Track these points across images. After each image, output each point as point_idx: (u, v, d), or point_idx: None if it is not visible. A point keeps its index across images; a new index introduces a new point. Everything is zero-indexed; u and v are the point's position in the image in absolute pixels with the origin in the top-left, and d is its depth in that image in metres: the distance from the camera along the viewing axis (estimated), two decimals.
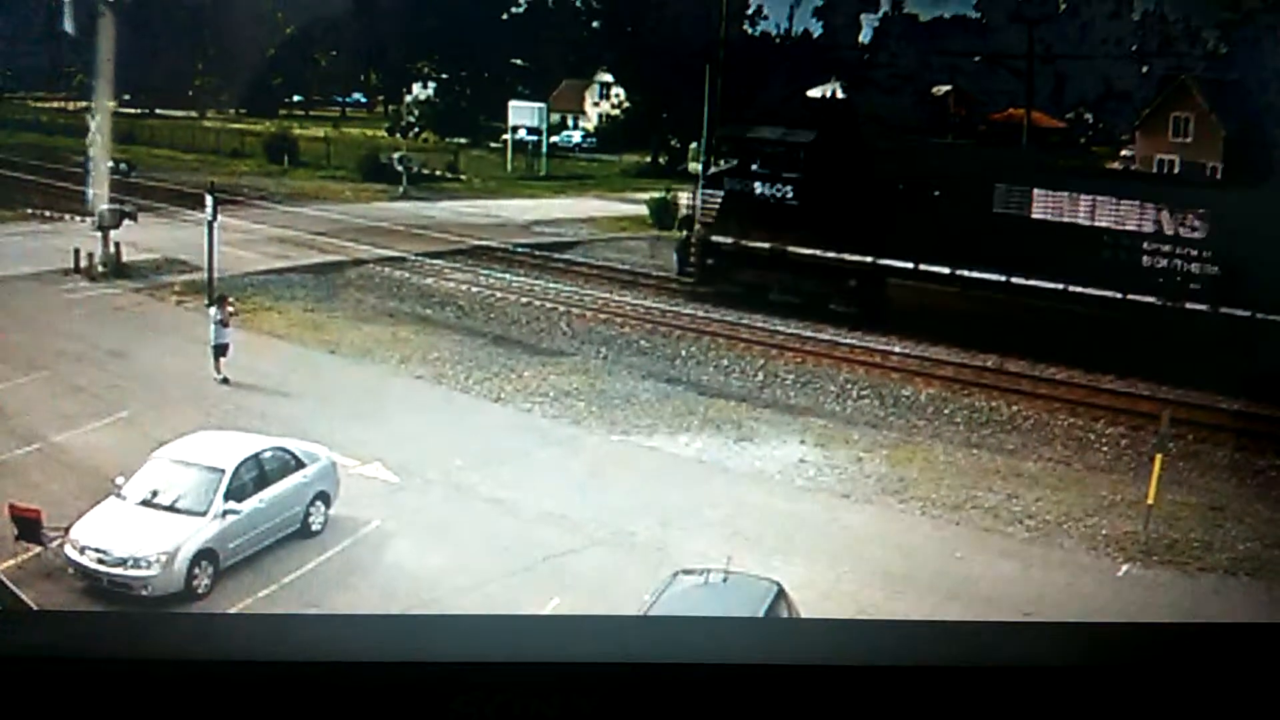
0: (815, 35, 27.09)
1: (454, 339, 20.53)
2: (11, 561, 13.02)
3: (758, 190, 21.11)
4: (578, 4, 28.10)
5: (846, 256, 20.05)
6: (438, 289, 23.27)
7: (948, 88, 24.95)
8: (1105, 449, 16.89)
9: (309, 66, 29.08)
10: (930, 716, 5.54)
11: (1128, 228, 18.32)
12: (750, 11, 26.47)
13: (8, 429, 16.18)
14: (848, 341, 20.31)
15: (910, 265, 19.53)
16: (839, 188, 20.55)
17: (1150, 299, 18.02)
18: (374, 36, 27.38)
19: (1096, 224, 18.54)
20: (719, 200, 21.41)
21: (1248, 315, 16.99)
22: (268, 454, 14.22)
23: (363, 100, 28.11)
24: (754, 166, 21.35)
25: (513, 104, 26.42)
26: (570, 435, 17.20)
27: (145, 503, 13.42)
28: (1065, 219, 18.67)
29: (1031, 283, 18.66)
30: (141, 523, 13.15)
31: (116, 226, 23.29)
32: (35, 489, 14.44)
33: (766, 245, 20.67)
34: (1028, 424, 17.58)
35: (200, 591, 12.93)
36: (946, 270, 19.34)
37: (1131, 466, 16.26)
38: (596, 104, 28.39)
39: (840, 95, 25.84)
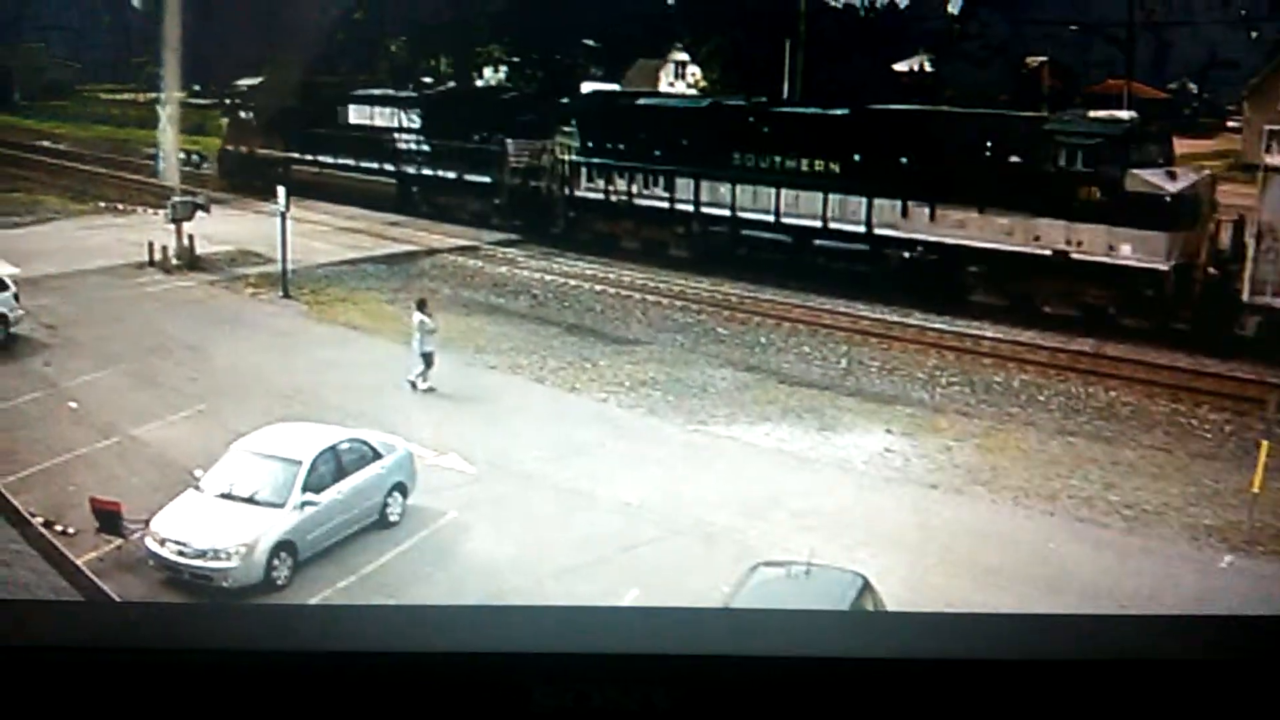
0: (902, 6, 26.75)
1: (528, 328, 20.78)
2: (93, 554, 13.49)
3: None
4: None
5: None
6: (511, 278, 23.53)
7: (1042, 59, 24.49)
8: (1208, 435, 16.52)
9: (378, 53, 29.50)
10: (1021, 712, 5.51)
11: None
12: None
13: (87, 422, 16.78)
14: (936, 326, 20.10)
15: None
16: None
17: None
18: (443, 20, 27.66)
19: None
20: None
21: None
22: (345, 445, 14.53)
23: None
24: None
25: (585, 86, 26.51)
26: (647, 425, 17.32)
27: (224, 495, 13.80)
28: None
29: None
30: (220, 515, 13.54)
31: (189, 219, 23.94)
32: (115, 482, 14.96)
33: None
34: (1126, 410, 17.26)
35: (279, 583, 13.29)
36: None
37: (1236, 453, 15.88)
38: (672, 83, 28.35)
39: (928, 69, 25.51)
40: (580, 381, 18.71)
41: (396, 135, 25.79)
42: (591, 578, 13.05)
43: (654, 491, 14.98)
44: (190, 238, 23.92)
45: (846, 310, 20.95)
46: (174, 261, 23.71)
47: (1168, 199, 18.80)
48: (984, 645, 5.52)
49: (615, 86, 26.22)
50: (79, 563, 12.61)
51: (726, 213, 22.22)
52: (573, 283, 23.05)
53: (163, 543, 13.32)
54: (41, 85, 34.20)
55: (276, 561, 13.35)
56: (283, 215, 22.34)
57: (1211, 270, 18.84)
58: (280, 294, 22.32)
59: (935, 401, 17.88)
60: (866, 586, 11.84)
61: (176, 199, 24.36)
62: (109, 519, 13.83)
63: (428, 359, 18.03)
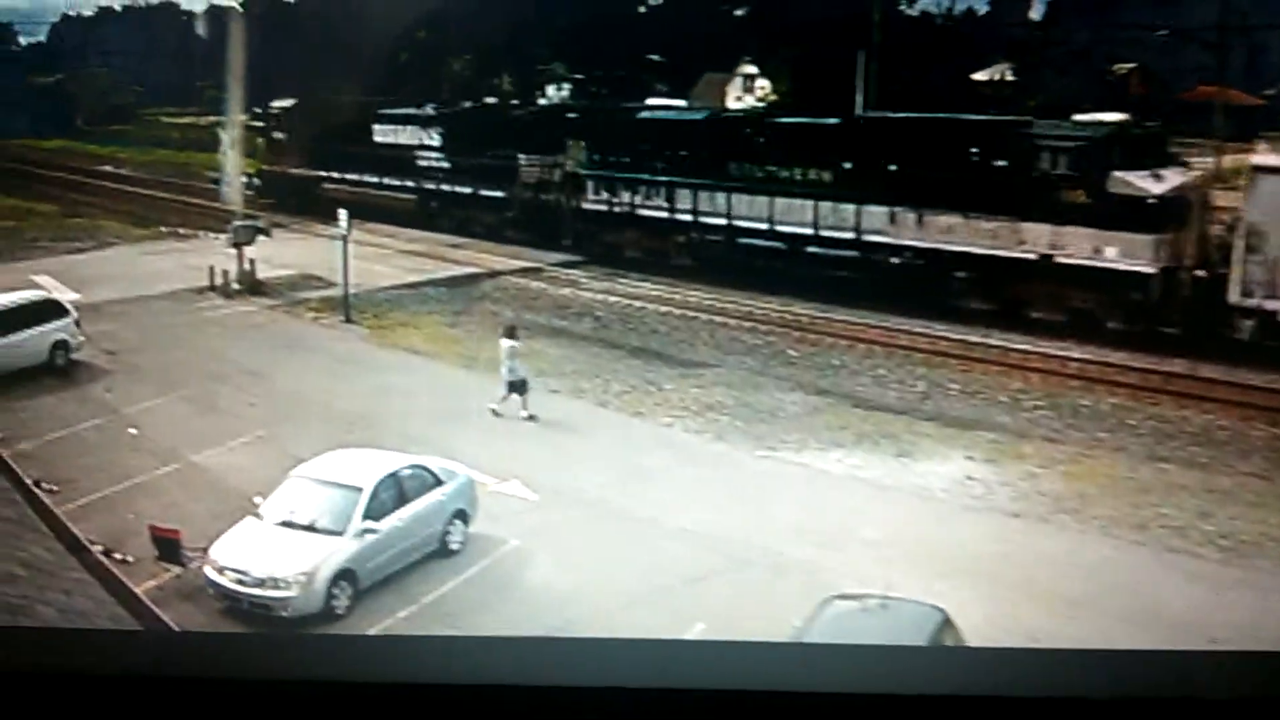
0: (980, 13, 26.57)
1: (591, 351, 20.90)
2: (152, 582, 13.73)
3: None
4: None
5: None
6: (574, 300, 23.69)
7: (1130, 66, 24.17)
8: None
9: (442, 71, 29.97)
10: None
11: None
12: None
13: (147, 449, 17.17)
14: (1020, 348, 19.85)
15: None
16: None
17: None
18: (505, 38, 28.03)
19: None
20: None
21: None
22: (406, 472, 14.65)
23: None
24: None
25: (650, 103, 26.66)
26: (714, 451, 17.29)
27: (284, 522, 13.97)
28: None
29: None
30: (280, 543, 13.71)
31: (250, 243, 24.46)
32: (175, 509, 15.26)
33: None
34: (1222, 435, 16.87)
35: (339, 612, 13.41)
36: None
37: None
38: (739, 98, 28.41)
39: (1009, 77, 25.31)
40: (645, 406, 18.74)
41: (417, 152, 27.13)
42: (656, 610, 13.01)
43: (721, 520, 14.92)
44: (252, 262, 24.44)
45: (924, 331, 20.78)
46: (235, 286, 24.21)
47: (1152, 201, 19.03)
48: (1069, 682, 5.42)
49: (680, 102, 26.42)
50: (138, 591, 12.83)
51: (723, 221, 23.11)
52: (637, 304, 23.14)
53: (222, 571, 13.51)
54: (104, 110, 35.23)
55: (336, 590, 13.46)
56: (344, 239, 22.72)
57: (1200, 273, 18.96)
58: (341, 318, 22.70)
59: (1019, 426, 17.64)
60: (945, 621, 11.67)
61: (238, 223, 24.89)
62: (168, 547, 14.08)
63: (520, 386, 18.17)
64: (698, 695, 5.38)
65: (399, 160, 27.58)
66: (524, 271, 25.27)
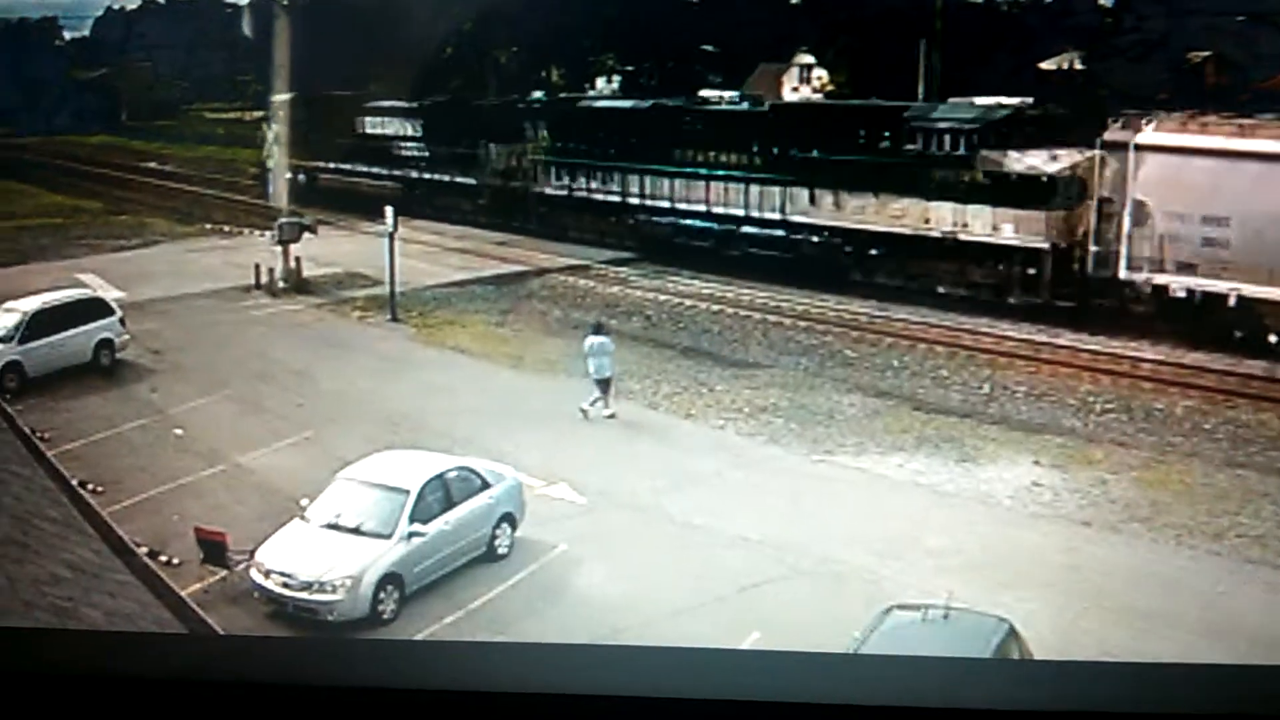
0: (1047, 0, 26.32)
1: (641, 351, 20.91)
2: (198, 585, 13.95)
3: None
4: None
5: None
6: (624, 298, 23.73)
7: (1205, 54, 23.80)
8: None
9: (488, 65, 30.17)
10: None
11: None
12: None
13: (193, 450, 17.44)
14: (1089, 348, 19.61)
15: None
16: None
17: None
18: (554, 29, 28.17)
19: None
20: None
21: None
22: (453, 474, 14.76)
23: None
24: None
25: (704, 94, 26.63)
26: (768, 455, 17.23)
27: (330, 525, 14.13)
28: None
29: None
30: (326, 546, 13.87)
31: (296, 240, 24.75)
32: (220, 511, 15.49)
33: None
34: None
35: (386, 617, 13.55)
36: None
37: None
38: (796, 88, 28.31)
39: (1078, 66, 25.08)
40: (696, 408, 18.73)
41: (401, 143, 29.24)
42: (709, 618, 13.00)
43: (776, 526, 14.86)
44: (297, 260, 24.72)
45: (989, 330, 20.60)
46: (281, 284, 24.50)
47: (1045, 179, 20.47)
48: (1142, 697, 5.34)
49: (734, 93, 26.46)
50: (183, 594, 13.04)
51: (667, 204, 25.04)
52: (688, 303, 23.14)
53: (267, 574, 13.69)
54: (149, 105, 35.74)
55: (383, 595, 13.60)
56: (390, 236, 22.93)
57: (1094, 248, 20.13)
58: (388, 317, 22.91)
59: (1088, 430, 17.42)
60: (1011, 632, 11.55)
61: (283, 220, 25.18)
62: (214, 549, 14.28)
63: (606, 384, 18.26)
64: (751, 707, 5.36)
65: (385, 151, 29.60)
66: (572, 269, 25.36)
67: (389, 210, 23.20)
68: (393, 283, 23.03)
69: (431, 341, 21.89)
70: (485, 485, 14.85)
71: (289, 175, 28.45)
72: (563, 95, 28.39)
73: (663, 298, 23.52)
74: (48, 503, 13.82)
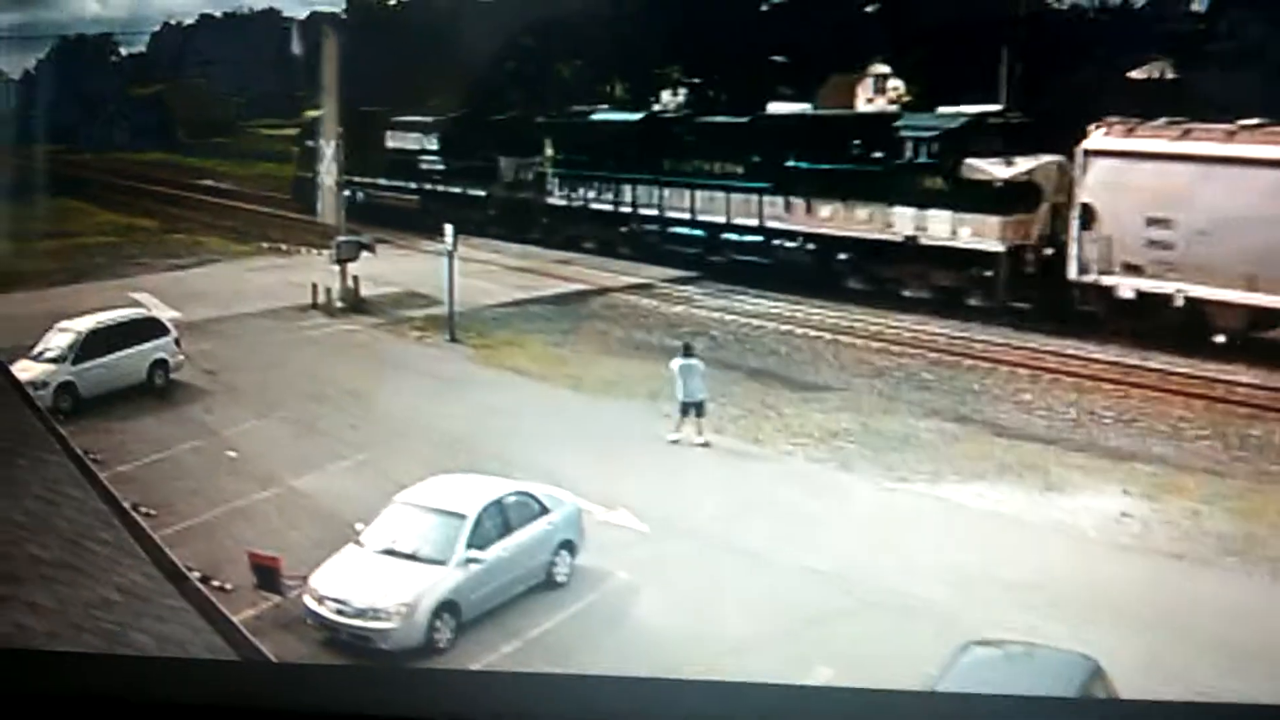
0: (1137, 6, 26.07)
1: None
2: (250, 611, 14.11)
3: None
4: None
5: None
6: (688, 318, 23.77)
7: None
8: None
9: (549, 78, 30.48)
10: None
11: None
12: None
13: (246, 472, 17.69)
14: (1181, 371, 19.28)
15: None
16: None
17: None
18: (618, 41, 28.42)
19: None
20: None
21: None
22: (511, 499, 14.82)
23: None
24: None
25: (773, 107, 26.64)
26: (839, 482, 17.13)
27: (385, 550, 14.23)
28: None
29: None
30: (381, 572, 13.97)
31: (354, 259, 25.08)
32: (274, 535, 15.70)
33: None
34: None
35: (441, 646, 13.61)
36: None
37: None
38: (870, 99, 28.24)
39: (1169, 75, 24.85)
40: (763, 432, 18.67)
41: (420, 157, 31.09)
42: (776, 652, 12.92)
43: (847, 557, 14.75)
44: (355, 279, 25.04)
45: (1075, 353, 20.36)
46: (338, 304, 24.85)
47: (999, 185, 21.74)
48: None
49: (805, 106, 26.53)
50: (236, 620, 13.21)
51: (656, 212, 26.76)
52: (755, 323, 23.12)
53: (321, 601, 13.82)
54: (204, 122, 36.50)
55: (439, 623, 13.66)
56: (450, 255, 23.15)
57: (1048, 251, 21.50)
58: (446, 337, 23.13)
59: (1180, 458, 17.11)
60: (1096, 670, 11.37)
61: (341, 239, 25.54)
62: (267, 575, 14.46)
63: (699, 408, 18.27)
64: None
65: (407, 164, 31.34)
66: (634, 288, 25.46)
67: (449, 229, 23.44)
68: (451, 302, 23.24)
69: (490, 362, 22.06)
70: (544, 510, 14.88)
71: (343, 192, 28.87)
72: (572, 109, 29.63)
73: (729, 317, 23.53)
74: (100, 525, 14.06)
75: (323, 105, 29.17)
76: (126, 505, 15.29)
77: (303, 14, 32.63)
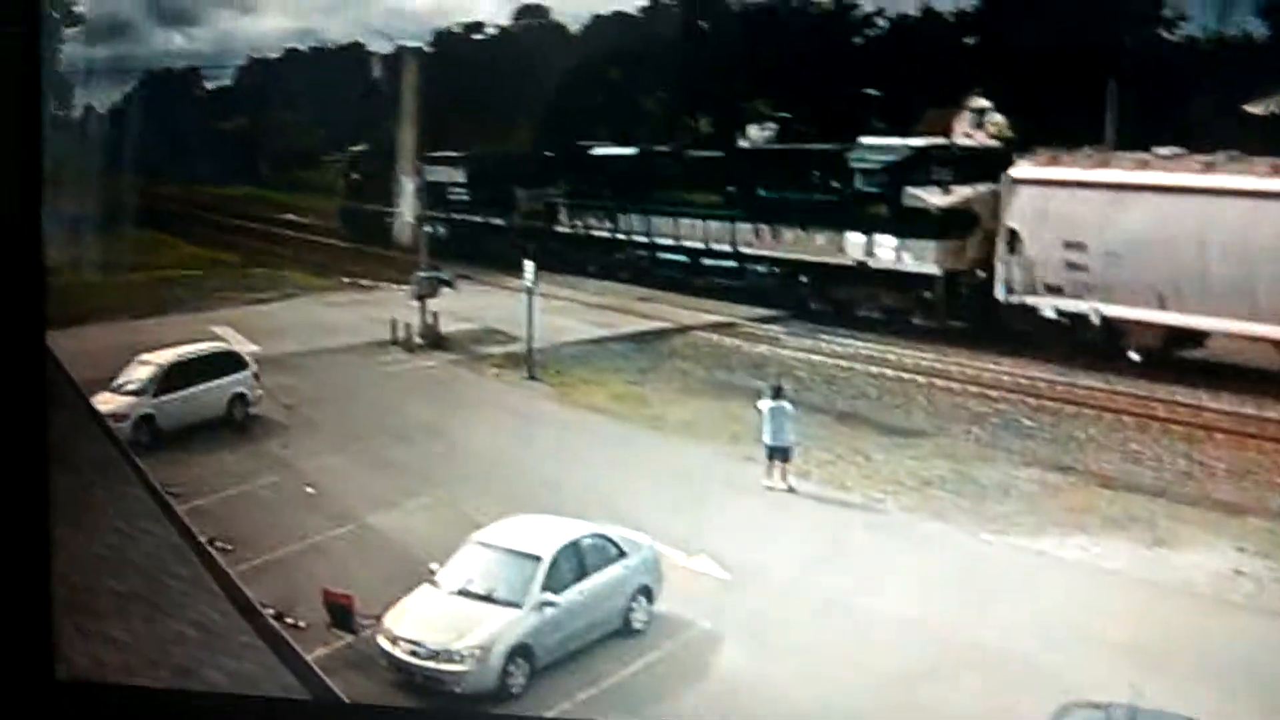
0: (1257, 38, 25.75)
1: None
2: (324, 650, 14.35)
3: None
4: (949, 18, 28.09)
5: None
6: (772, 358, 23.77)
7: None
8: None
9: (629, 112, 30.86)
10: None
11: None
12: (1167, 13, 25.54)
13: (323, 509, 18.02)
14: None
15: None
16: None
17: None
18: (703, 73, 28.72)
19: None
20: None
21: None
22: (587, 541, 14.93)
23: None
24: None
25: (865, 141, 26.65)
26: (932, 532, 16.97)
27: (460, 591, 14.42)
28: None
29: None
30: (455, 613, 14.15)
31: (434, 295, 25.48)
32: (348, 572, 15.94)
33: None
34: None
35: (514, 691, 13.71)
36: None
37: None
38: (969, 134, 28.10)
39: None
40: (851, 478, 18.56)
41: (450, 189, 32.94)
42: (863, 710, 12.83)
43: (940, 611, 14.61)
44: (435, 315, 25.44)
45: (1187, 400, 19.99)
46: (417, 340, 25.24)
47: (935, 212, 23.71)
48: None
49: (899, 140, 26.58)
50: (309, 659, 13.44)
51: (646, 239, 28.84)
52: (844, 364, 23.05)
53: (395, 641, 14.02)
54: (288, 155, 37.44)
55: (512, 667, 13.77)
56: (529, 291, 23.43)
57: (981, 274, 23.13)
58: (525, 375, 23.36)
59: None
60: None
61: (421, 274, 25.98)
62: (341, 613, 14.71)
63: (785, 453, 18.38)
64: None
65: (440, 198, 32.66)
66: (716, 327, 25.52)
67: (529, 265, 23.73)
68: (530, 339, 23.50)
69: (568, 400, 22.24)
70: (621, 554, 14.97)
71: (424, 227, 29.37)
72: (579, 142, 31.09)
73: (816, 358, 23.48)
74: (176, 560, 14.45)
75: (401, 139, 29.76)
76: (203, 540, 15.71)
77: (387, 48, 33.37)
